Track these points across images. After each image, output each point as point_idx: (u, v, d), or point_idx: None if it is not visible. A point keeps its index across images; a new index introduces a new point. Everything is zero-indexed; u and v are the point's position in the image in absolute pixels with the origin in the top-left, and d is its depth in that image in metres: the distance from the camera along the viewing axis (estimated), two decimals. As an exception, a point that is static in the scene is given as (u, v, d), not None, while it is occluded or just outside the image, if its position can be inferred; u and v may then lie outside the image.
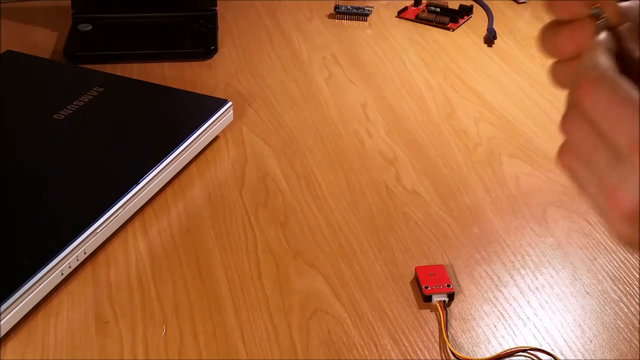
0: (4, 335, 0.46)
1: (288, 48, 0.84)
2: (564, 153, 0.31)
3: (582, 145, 0.30)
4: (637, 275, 0.52)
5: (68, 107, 0.65)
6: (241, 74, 0.78)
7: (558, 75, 0.34)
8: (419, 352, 0.46)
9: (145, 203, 0.58)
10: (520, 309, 0.50)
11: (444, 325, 0.48)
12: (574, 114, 0.31)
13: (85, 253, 0.52)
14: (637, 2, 0.31)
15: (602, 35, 0.31)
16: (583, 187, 0.30)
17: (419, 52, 0.83)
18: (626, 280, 0.52)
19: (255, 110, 0.71)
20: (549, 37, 0.34)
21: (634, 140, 0.27)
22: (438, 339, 0.47)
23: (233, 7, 0.93)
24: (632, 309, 0.49)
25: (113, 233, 0.54)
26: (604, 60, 0.29)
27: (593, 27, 0.31)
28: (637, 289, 0.51)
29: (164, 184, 0.59)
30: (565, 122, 0.31)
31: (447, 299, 0.49)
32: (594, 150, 0.29)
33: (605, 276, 0.52)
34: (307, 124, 0.70)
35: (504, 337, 0.48)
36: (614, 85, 0.28)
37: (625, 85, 0.28)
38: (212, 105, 0.66)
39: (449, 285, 0.50)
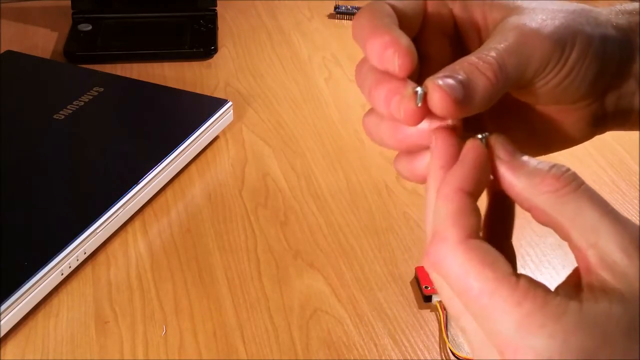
0: (4, 335, 0.46)
1: (288, 48, 0.84)
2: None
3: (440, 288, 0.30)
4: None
5: (68, 107, 0.65)
6: (241, 74, 0.78)
7: (401, 171, 0.34)
8: (419, 352, 0.46)
9: (145, 203, 0.58)
10: (520, 309, 0.50)
11: (444, 325, 0.48)
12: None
13: (85, 253, 0.52)
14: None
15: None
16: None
17: (419, 52, 0.83)
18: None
19: (255, 110, 0.71)
20: (375, 129, 0.35)
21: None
22: (438, 339, 0.47)
23: (233, 7, 0.93)
24: (632, 309, 0.49)
25: (113, 233, 0.54)
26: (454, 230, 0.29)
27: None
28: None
29: (164, 184, 0.59)
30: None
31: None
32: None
33: (605, 276, 0.52)
34: (307, 124, 0.69)
35: (504, 337, 0.48)
36: (457, 253, 0.29)
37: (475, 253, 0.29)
38: (212, 105, 0.66)
39: (449, 285, 0.50)
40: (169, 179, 0.60)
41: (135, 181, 0.56)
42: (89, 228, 0.51)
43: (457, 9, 0.35)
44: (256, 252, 0.54)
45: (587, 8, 0.34)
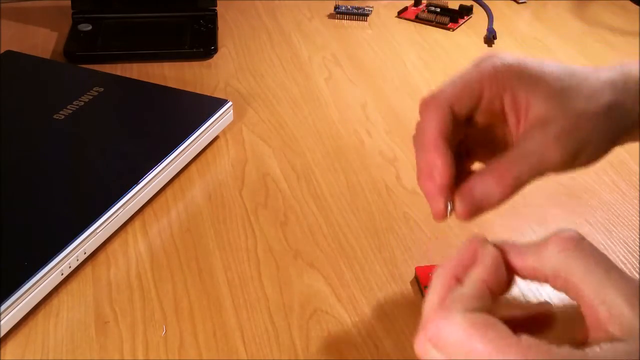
0: (4, 335, 0.46)
1: (288, 48, 0.84)
2: None
3: None
4: (637, 275, 0.52)
5: (68, 107, 0.65)
6: (241, 74, 0.78)
7: None
8: (419, 352, 0.46)
9: (145, 203, 0.58)
10: (520, 309, 0.50)
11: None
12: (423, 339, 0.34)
13: (85, 253, 0.52)
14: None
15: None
16: None
17: (419, 52, 0.83)
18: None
19: (255, 110, 0.71)
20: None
21: None
22: (438, 339, 0.47)
23: (233, 7, 0.93)
24: (632, 309, 0.49)
25: (113, 233, 0.54)
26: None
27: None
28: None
29: (164, 184, 0.59)
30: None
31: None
32: None
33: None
34: (307, 124, 0.70)
35: (504, 337, 0.48)
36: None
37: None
38: (212, 105, 0.66)
39: (449, 285, 0.50)
40: (169, 179, 0.60)
41: (135, 181, 0.56)
42: (89, 228, 0.51)
43: (507, 99, 0.43)
44: (256, 252, 0.54)
45: (616, 103, 0.42)
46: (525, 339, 0.31)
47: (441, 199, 0.41)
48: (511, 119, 0.44)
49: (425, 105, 0.43)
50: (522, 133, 0.43)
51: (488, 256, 0.36)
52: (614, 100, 0.42)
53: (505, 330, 0.32)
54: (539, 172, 0.41)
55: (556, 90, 0.42)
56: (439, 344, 0.33)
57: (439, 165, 0.41)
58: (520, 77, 0.43)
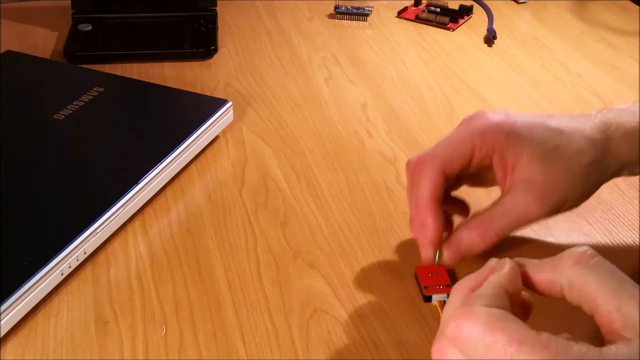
0: (4, 335, 0.46)
1: (288, 48, 0.84)
2: None
3: None
4: (637, 276, 0.52)
5: (68, 107, 0.65)
6: (241, 74, 0.78)
7: None
8: (419, 352, 0.46)
9: (145, 203, 0.58)
10: (520, 309, 0.50)
11: (444, 325, 0.48)
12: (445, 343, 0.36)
13: (85, 253, 0.52)
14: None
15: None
16: None
17: (419, 52, 0.84)
18: (626, 280, 0.52)
19: (255, 110, 0.71)
20: None
21: None
22: (438, 339, 0.47)
23: (233, 7, 0.93)
24: (632, 309, 0.49)
25: (113, 233, 0.54)
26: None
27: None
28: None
29: (164, 184, 0.59)
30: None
31: (447, 299, 0.49)
32: None
33: (605, 276, 0.52)
34: (307, 124, 0.70)
35: (504, 337, 0.48)
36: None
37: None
38: (212, 105, 0.66)
39: (449, 285, 0.50)
40: (169, 179, 0.60)
41: (135, 181, 0.56)
42: (89, 228, 0.51)
43: (495, 157, 0.48)
44: (256, 252, 0.54)
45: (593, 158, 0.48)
46: (545, 335, 0.32)
47: (431, 250, 0.48)
48: (498, 174, 0.48)
49: (420, 167, 0.48)
50: (507, 189, 0.48)
51: (506, 266, 0.38)
52: (595, 158, 0.47)
53: (524, 325, 0.33)
54: (519, 225, 0.47)
55: (541, 154, 0.46)
56: (460, 341, 0.34)
57: (430, 223, 0.47)
58: (508, 138, 0.47)
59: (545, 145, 0.47)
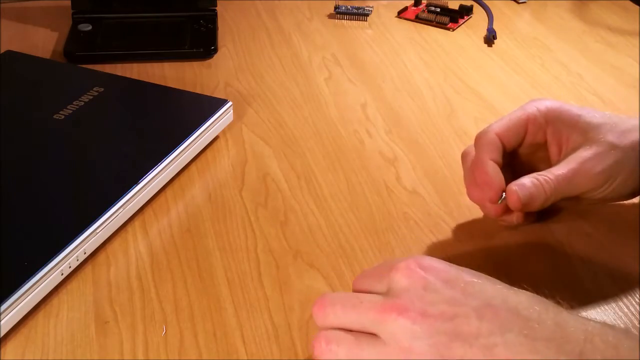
0: (4, 335, 0.46)
1: (288, 48, 0.84)
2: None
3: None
4: (637, 275, 0.52)
5: (68, 107, 0.65)
6: (241, 74, 0.78)
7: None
8: (419, 352, 0.46)
9: (145, 203, 0.58)
10: (520, 309, 0.50)
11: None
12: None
13: (85, 253, 0.52)
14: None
15: None
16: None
17: (419, 52, 0.84)
18: (626, 280, 0.52)
19: (255, 110, 0.71)
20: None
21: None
22: (438, 339, 0.47)
23: (233, 7, 0.93)
24: (632, 309, 0.49)
25: (113, 233, 0.54)
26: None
27: None
28: (637, 288, 0.51)
29: (164, 184, 0.59)
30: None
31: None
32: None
33: (605, 276, 0.52)
34: (307, 124, 0.70)
35: (504, 337, 0.47)
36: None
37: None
38: (212, 105, 0.66)
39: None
40: (169, 179, 0.60)
41: (135, 181, 0.56)
42: (89, 228, 0.51)
43: (549, 132, 0.53)
44: (256, 252, 0.54)
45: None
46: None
47: (493, 193, 0.51)
48: (552, 149, 0.53)
49: (479, 140, 0.53)
50: (563, 156, 0.52)
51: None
52: None
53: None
54: (576, 180, 0.50)
55: (592, 126, 0.51)
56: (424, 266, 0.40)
57: (490, 170, 0.51)
58: (561, 116, 0.52)
59: (597, 120, 0.52)
